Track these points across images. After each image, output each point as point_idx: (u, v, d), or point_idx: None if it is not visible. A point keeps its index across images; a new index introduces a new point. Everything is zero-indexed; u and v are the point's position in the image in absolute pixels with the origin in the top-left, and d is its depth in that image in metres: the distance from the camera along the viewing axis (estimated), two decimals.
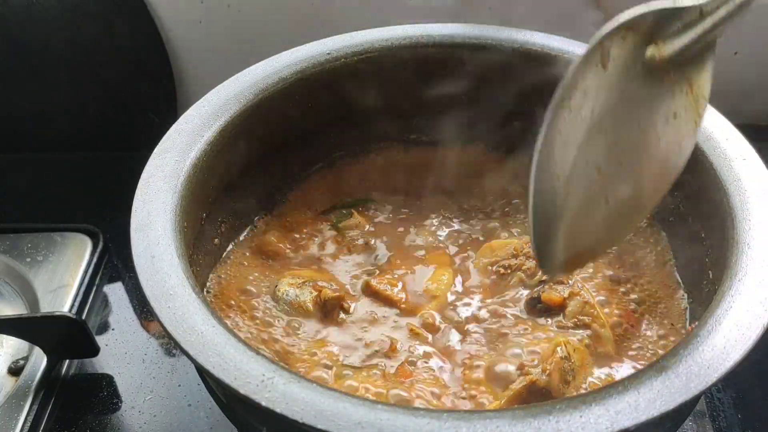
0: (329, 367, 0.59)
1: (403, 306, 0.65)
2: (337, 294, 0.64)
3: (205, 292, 0.65)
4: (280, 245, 0.70)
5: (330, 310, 0.63)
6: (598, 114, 0.46)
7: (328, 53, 0.72)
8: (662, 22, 0.46)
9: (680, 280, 0.65)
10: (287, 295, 0.64)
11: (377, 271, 0.68)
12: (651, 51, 0.47)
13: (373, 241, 0.71)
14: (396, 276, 0.67)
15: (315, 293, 0.64)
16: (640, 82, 0.47)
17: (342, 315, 0.63)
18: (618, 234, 0.53)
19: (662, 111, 0.48)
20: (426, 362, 0.60)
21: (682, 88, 0.48)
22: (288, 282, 0.65)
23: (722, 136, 0.62)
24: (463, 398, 0.57)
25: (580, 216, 0.48)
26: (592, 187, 0.48)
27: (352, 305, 0.64)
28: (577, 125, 0.46)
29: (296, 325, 0.63)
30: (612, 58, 0.46)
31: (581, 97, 0.46)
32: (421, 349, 0.61)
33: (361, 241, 0.71)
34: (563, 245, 0.49)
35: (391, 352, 0.60)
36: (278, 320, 0.63)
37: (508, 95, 0.71)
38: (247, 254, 0.70)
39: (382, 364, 0.59)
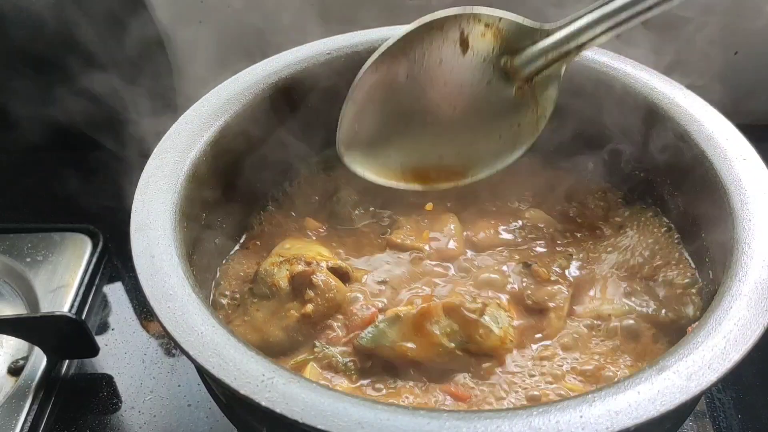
0: None
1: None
2: (305, 269, 0.62)
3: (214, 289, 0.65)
4: (283, 230, 0.71)
5: (299, 286, 0.62)
6: (437, 80, 0.57)
7: (328, 53, 0.72)
8: (514, 35, 0.56)
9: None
10: (266, 273, 0.63)
11: (389, 231, 0.70)
12: (504, 59, 0.57)
13: (372, 208, 0.72)
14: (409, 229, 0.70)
15: (289, 270, 0.62)
16: (496, 83, 0.57)
17: (310, 292, 0.61)
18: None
19: (508, 117, 0.57)
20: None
21: (529, 104, 0.57)
22: (270, 262, 0.64)
23: (722, 136, 0.62)
24: None
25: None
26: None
27: (320, 278, 0.62)
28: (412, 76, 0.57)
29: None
30: (472, 47, 0.56)
31: (426, 56, 0.56)
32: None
33: (360, 211, 0.72)
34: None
35: None
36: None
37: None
38: (254, 244, 0.70)
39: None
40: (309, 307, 0.61)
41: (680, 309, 0.61)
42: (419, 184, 0.68)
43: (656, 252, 0.66)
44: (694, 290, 0.62)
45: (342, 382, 0.58)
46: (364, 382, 0.58)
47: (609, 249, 0.68)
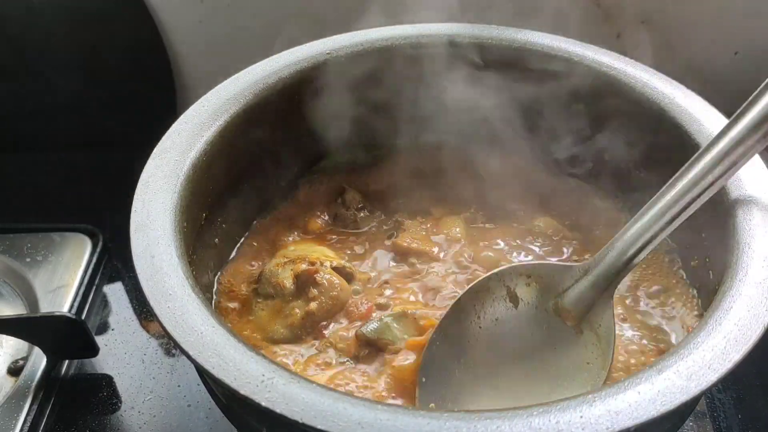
0: None
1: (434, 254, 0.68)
2: (308, 268, 0.63)
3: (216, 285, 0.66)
4: (285, 231, 0.72)
5: (303, 285, 0.63)
6: (505, 342, 0.58)
7: (328, 53, 0.72)
8: (556, 278, 0.58)
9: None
10: (270, 273, 0.64)
11: (395, 234, 0.70)
12: (553, 302, 0.58)
13: (378, 213, 0.73)
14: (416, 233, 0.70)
15: (293, 270, 0.63)
16: (554, 328, 0.58)
17: (314, 290, 0.62)
18: None
19: (576, 358, 0.57)
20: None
21: (591, 339, 0.56)
22: (275, 263, 0.65)
23: None
24: None
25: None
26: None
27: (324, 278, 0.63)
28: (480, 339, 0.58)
29: None
30: (521, 298, 0.59)
31: (481, 318, 0.58)
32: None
33: (365, 214, 0.73)
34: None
35: None
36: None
37: (508, 94, 0.71)
38: (255, 244, 0.71)
39: None
40: (313, 306, 0.61)
41: (663, 338, 0.61)
42: None
43: (654, 273, 0.66)
44: (688, 319, 0.62)
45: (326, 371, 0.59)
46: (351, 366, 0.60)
47: None
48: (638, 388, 0.44)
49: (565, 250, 0.70)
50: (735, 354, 0.46)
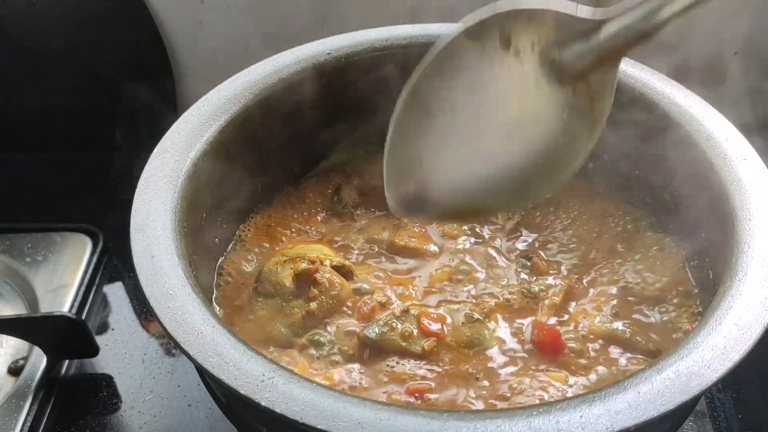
0: None
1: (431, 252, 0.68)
2: (309, 267, 0.63)
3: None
4: (284, 230, 0.71)
5: (303, 284, 0.63)
6: (486, 86, 0.49)
7: (328, 53, 0.72)
8: (562, 26, 0.47)
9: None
10: (269, 272, 0.64)
11: (391, 232, 0.70)
12: (554, 54, 0.48)
13: (373, 209, 0.73)
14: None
15: (293, 269, 0.63)
16: (546, 85, 0.49)
17: (314, 290, 0.62)
18: (495, 205, 0.56)
19: (561, 126, 0.49)
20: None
21: (583, 108, 0.49)
22: (274, 261, 0.65)
23: (722, 136, 0.62)
24: None
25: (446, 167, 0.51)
26: (464, 146, 0.51)
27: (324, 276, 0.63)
28: (452, 88, 0.49)
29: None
30: (514, 44, 0.48)
31: (466, 71, 0.48)
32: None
33: (362, 211, 0.73)
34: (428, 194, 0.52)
35: None
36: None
37: None
38: (254, 243, 0.71)
39: None
40: (313, 305, 0.62)
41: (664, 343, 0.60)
42: (472, 218, 0.66)
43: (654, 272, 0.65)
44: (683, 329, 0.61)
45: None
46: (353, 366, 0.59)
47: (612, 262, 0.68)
48: (638, 388, 0.44)
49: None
50: (735, 354, 0.46)
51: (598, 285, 0.66)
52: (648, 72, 0.68)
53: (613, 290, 0.65)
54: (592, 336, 0.61)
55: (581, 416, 0.43)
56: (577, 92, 0.49)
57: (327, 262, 0.64)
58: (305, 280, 0.63)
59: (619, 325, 0.62)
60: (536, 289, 0.65)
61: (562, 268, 0.67)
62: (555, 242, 0.70)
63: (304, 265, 0.63)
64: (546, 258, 0.68)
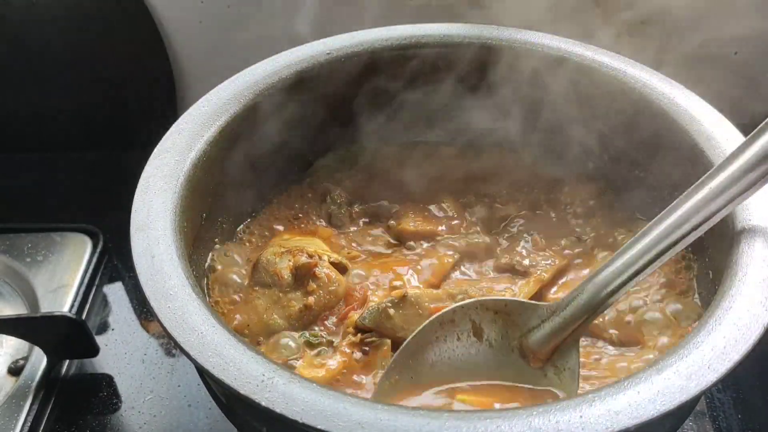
0: None
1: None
2: (308, 261, 0.63)
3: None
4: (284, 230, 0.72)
5: (302, 277, 0.63)
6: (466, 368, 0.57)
7: (328, 53, 0.72)
8: (523, 316, 0.56)
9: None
10: (267, 262, 0.64)
11: (392, 222, 0.71)
12: (518, 341, 0.56)
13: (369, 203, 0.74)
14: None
15: (292, 261, 0.63)
16: (519, 364, 0.56)
17: (312, 284, 0.63)
18: None
19: (536, 399, 0.55)
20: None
21: (555, 382, 0.55)
22: (272, 251, 0.65)
23: (722, 136, 0.62)
24: None
25: None
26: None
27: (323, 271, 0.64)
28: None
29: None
30: (486, 334, 0.57)
31: (443, 349, 0.57)
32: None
33: (359, 208, 0.73)
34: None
35: None
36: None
37: (508, 94, 0.71)
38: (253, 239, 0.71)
39: None
40: (311, 299, 0.62)
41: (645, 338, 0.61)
42: None
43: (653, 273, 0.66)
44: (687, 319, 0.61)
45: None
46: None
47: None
48: (638, 388, 0.44)
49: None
50: (735, 354, 0.46)
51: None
52: (648, 72, 0.68)
53: None
54: None
55: (581, 416, 0.43)
56: (546, 373, 0.56)
57: (325, 257, 0.65)
58: (304, 273, 0.63)
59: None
60: (527, 263, 0.66)
61: (558, 248, 0.68)
62: (557, 229, 0.71)
63: (303, 259, 0.63)
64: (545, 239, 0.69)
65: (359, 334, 0.61)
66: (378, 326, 0.60)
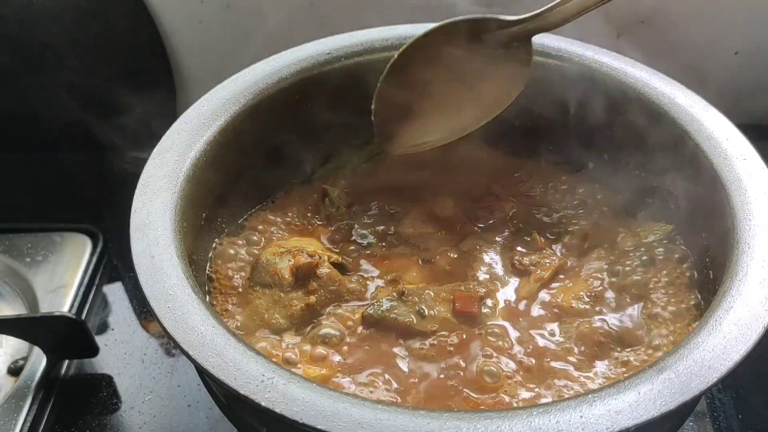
0: None
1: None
2: (310, 261, 0.64)
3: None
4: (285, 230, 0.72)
5: (303, 277, 0.63)
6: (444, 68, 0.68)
7: (328, 53, 0.72)
8: (500, 23, 0.65)
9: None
10: (267, 262, 0.64)
11: (392, 222, 0.72)
12: (488, 36, 0.66)
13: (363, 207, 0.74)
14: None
15: (292, 261, 0.64)
16: (487, 55, 0.67)
17: (314, 283, 0.63)
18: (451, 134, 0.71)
19: (501, 72, 0.67)
20: None
21: (517, 57, 0.66)
22: (271, 251, 0.65)
23: (722, 136, 0.62)
24: None
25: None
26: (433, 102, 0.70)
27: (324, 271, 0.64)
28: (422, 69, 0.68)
29: None
30: (456, 41, 0.66)
31: (430, 57, 0.67)
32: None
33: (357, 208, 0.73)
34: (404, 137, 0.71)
35: None
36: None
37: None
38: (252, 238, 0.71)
39: None
40: (313, 299, 0.63)
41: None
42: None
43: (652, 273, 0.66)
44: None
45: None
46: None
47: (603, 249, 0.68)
48: (638, 388, 0.44)
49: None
50: (735, 354, 0.46)
51: (589, 270, 0.66)
52: (648, 72, 0.68)
53: (605, 278, 0.65)
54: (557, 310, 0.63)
55: (581, 416, 0.43)
56: (508, 51, 0.66)
57: (325, 257, 0.65)
58: (305, 273, 0.63)
59: (586, 306, 0.62)
60: (527, 261, 0.67)
61: (559, 247, 0.69)
62: (558, 226, 0.71)
63: (304, 259, 0.64)
64: (545, 236, 0.69)
65: (362, 329, 0.61)
66: (383, 320, 0.61)
